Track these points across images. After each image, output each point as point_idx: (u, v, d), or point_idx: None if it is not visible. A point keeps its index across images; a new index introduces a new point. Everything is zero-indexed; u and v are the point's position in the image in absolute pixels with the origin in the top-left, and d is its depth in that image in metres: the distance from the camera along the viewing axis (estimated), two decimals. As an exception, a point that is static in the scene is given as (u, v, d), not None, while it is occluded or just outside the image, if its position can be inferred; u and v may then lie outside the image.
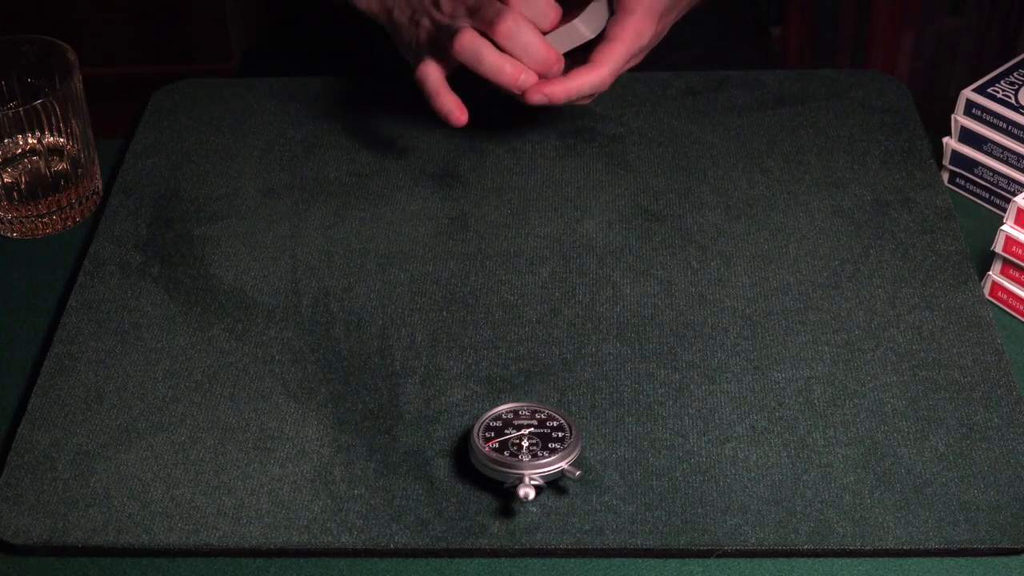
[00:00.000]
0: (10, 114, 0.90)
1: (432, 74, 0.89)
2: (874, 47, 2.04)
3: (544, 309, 0.85)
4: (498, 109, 1.01)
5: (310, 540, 0.72)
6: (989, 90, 0.91)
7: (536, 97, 0.86)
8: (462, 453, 0.76)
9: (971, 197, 0.96)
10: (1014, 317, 0.86)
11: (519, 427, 0.74)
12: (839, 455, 0.75)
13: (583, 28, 0.89)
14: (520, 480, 0.71)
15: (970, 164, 0.94)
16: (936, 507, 0.72)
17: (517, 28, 0.85)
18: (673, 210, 0.93)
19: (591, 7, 0.89)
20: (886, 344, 0.82)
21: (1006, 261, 0.84)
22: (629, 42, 0.87)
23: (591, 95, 0.89)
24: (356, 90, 1.04)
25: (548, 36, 0.87)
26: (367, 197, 0.94)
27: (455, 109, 0.88)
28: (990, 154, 0.92)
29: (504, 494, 0.73)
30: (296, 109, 1.03)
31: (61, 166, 0.94)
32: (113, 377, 0.81)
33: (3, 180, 0.93)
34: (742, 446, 0.76)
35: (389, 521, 0.73)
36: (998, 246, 0.84)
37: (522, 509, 0.73)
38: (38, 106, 0.90)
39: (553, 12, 0.88)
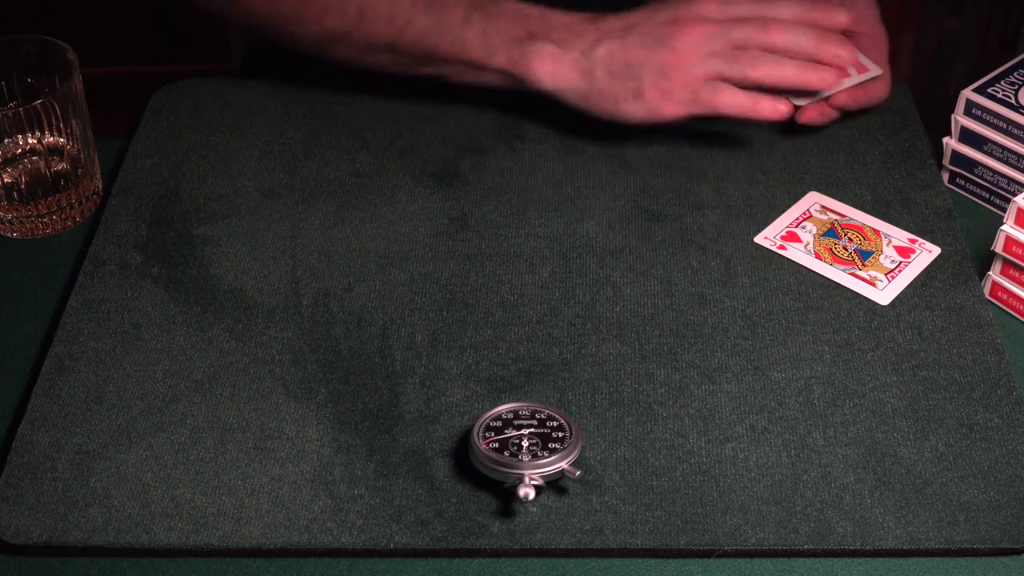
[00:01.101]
0: (10, 114, 0.90)
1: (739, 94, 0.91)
2: (874, 47, 2.03)
3: (544, 309, 0.85)
4: (498, 109, 1.01)
5: (310, 540, 0.72)
6: (989, 90, 0.91)
7: (843, 101, 0.94)
8: (462, 453, 0.76)
9: (971, 197, 0.96)
10: (1014, 317, 0.86)
11: (519, 427, 0.74)
12: (839, 455, 0.75)
13: (876, 70, 0.95)
14: (520, 480, 0.71)
15: (970, 164, 0.94)
16: (936, 507, 0.72)
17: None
18: (673, 210, 0.93)
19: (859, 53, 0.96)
20: (886, 344, 0.82)
21: (1006, 261, 0.84)
22: (886, 55, 0.97)
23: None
24: (356, 90, 1.04)
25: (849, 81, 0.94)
26: (367, 197, 0.94)
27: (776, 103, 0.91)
28: (990, 154, 0.92)
29: (504, 494, 0.73)
30: (296, 109, 1.03)
31: (61, 166, 0.94)
32: (113, 377, 0.81)
33: (3, 180, 0.93)
34: (742, 446, 0.76)
35: (389, 521, 0.73)
36: (998, 246, 0.84)
37: (522, 509, 0.73)
38: (38, 106, 0.90)
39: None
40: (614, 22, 0.92)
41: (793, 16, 0.91)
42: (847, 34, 0.95)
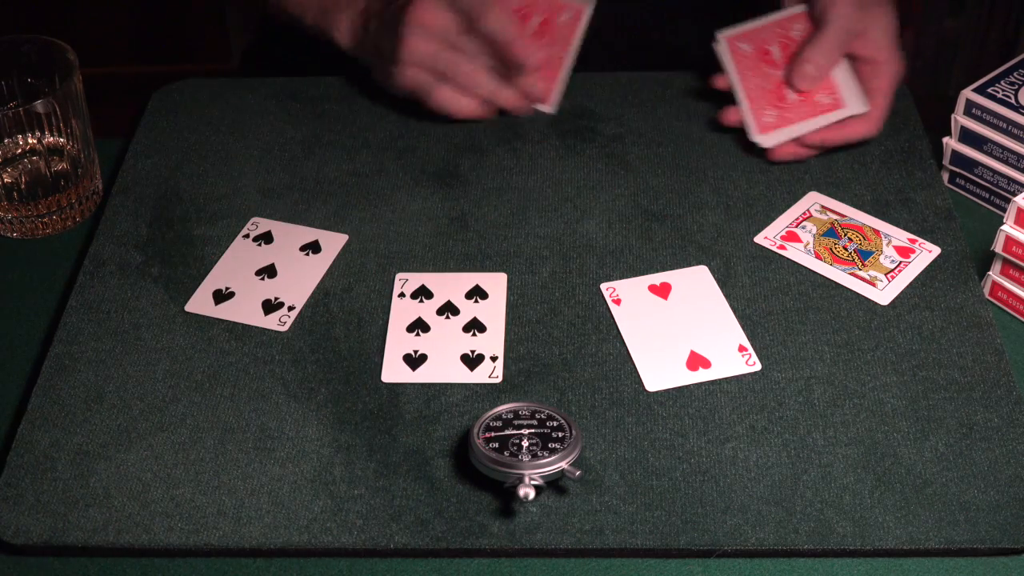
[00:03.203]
0: (10, 114, 0.90)
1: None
2: (874, 47, 2.03)
3: (544, 309, 0.85)
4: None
5: (310, 540, 0.72)
6: (989, 90, 0.91)
7: (813, 141, 0.93)
8: (462, 453, 0.76)
9: (971, 197, 0.96)
10: (1014, 317, 0.86)
11: (519, 427, 0.74)
12: (839, 455, 0.75)
13: (857, 107, 0.93)
14: (520, 480, 0.71)
15: (970, 164, 0.94)
16: (936, 507, 0.72)
17: None
18: (673, 210, 0.93)
19: (843, 80, 0.94)
20: (886, 344, 0.82)
21: (1006, 261, 0.84)
22: (890, 89, 0.94)
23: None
24: (356, 90, 1.04)
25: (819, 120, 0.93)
26: (367, 197, 0.94)
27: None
28: (990, 154, 0.92)
29: (504, 494, 0.73)
30: (296, 109, 1.03)
31: (61, 166, 0.94)
32: (113, 377, 0.81)
33: (3, 180, 0.93)
34: (742, 446, 0.76)
35: (389, 521, 0.73)
36: (998, 246, 0.84)
37: (522, 509, 0.73)
38: (38, 106, 0.90)
39: None
40: (390, 6, 0.98)
41: (488, 61, 0.96)
42: (851, 58, 0.94)
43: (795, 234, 0.89)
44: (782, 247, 0.88)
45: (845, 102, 0.93)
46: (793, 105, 0.94)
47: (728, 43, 0.97)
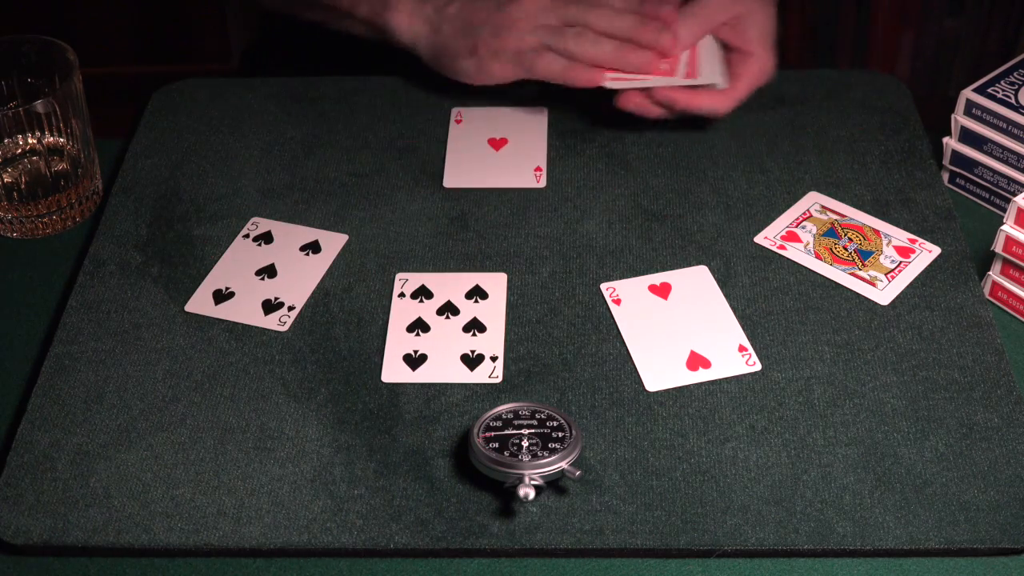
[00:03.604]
0: (10, 114, 0.90)
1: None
2: (874, 47, 2.04)
3: (544, 309, 0.85)
4: (498, 109, 1.01)
5: (310, 540, 0.72)
6: (989, 90, 0.91)
7: (660, 97, 0.93)
8: (462, 453, 0.76)
9: (971, 197, 0.96)
10: (1014, 317, 0.86)
11: (519, 427, 0.74)
12: (839, 455, 0.75)
13: (710, 79, 0.94)
14: (520, 480, 0.71)
15: (970, 164, 0.94)
16: (936, 507, 0.72)
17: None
18: (673, 210, 0.93)
19: (706, 54, 0.95)
20: (886, 344, 0.82)
21: (1006, 261, 0.84)
22: (754, 79, 0.96)
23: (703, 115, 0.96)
24: (356, 90, 1.04)
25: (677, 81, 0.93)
26: (367, 197, 0.94)
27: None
28: (990, 154, 0.92)
29: (504, 494, 0.73)
30: (296, 109, 1.03)
31: (61, 166, 0.94)
32: (113, 377, 0.81)
33: (3, 180, 0.93)
34: (742, 446, 0.76)
35: (389, 521, 0.73)
36: (998, 246, 0.84)
37: (522, 509, 0.73)
38: (38, 106, 0.90)
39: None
40: None
41: (623, 3, 0.95)
42: (725, 46, 0.96)
43: (795, 234, 0.89)
44: (782, 247, 0.88)
45: (700, 72, 0.94)
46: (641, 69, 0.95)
47: None
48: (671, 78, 0.94)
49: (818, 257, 0.88)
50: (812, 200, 0.93)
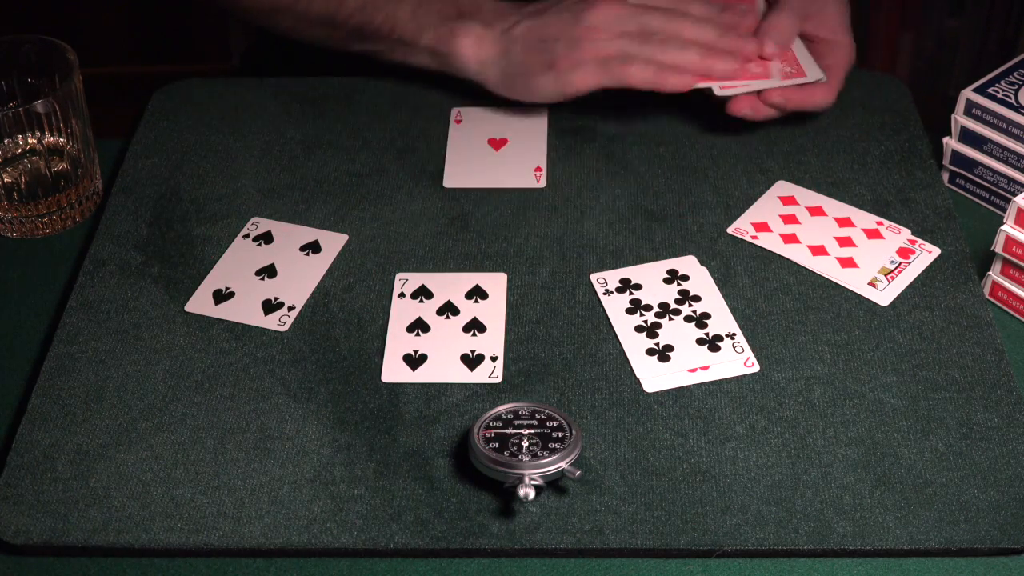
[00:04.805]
0: (10, 114, 0.90)
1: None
2: (874, 47, 2.04)
3: (544, 309, 0.85)
4: (498, 109, 1.01)
5: (310, 540, 0.72)
6: (989, 90, 0.91)
7: (775, 99, 0.94)
8: (462, 453, 0.76)
9: (971, 197, 0.96)
10: (1014, 317, 0.86)
11: (519, 427, 0.74)
12: (839, 455, 0.75)
13: (816, 75, 0.95)
14: (520, 480, 0.71)
15: (970, 164, 0.94)
16: (936, 507, 0.72)
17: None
18: (673, 210, 0.93)
19: (801, 52, 0.97)
20: (886, 344, 0.82)
21: (1006, 261, 0.84)
22: (846, 66, 0.97)
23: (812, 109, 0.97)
24: (356, 90, 1.04)
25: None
26: (367, 197, 0.94)
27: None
28: (990, 154, 0.92)
29: (504, 494, 0.73)
30: (296, 109, 1.03)
31: (61, 166, 0.94)
32: (113, 377, 0.81)
33: (3, 180, 0.93)
34: (742, 446, 0.76)
35: (389, 521, 0.73)
36: (998, 246, 0.84)
37: (522, 509, 0.73)
38: (38, 106, 0.90)
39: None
40: (536, 5, 0.97)
41: (703, 13, 0.95)
42: (806, 39, 0.97)
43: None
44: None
45: (807, 71, 0.95)
46: (757, 73, 0.95)
47: None
48: (771, 80, 0.94)
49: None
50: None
